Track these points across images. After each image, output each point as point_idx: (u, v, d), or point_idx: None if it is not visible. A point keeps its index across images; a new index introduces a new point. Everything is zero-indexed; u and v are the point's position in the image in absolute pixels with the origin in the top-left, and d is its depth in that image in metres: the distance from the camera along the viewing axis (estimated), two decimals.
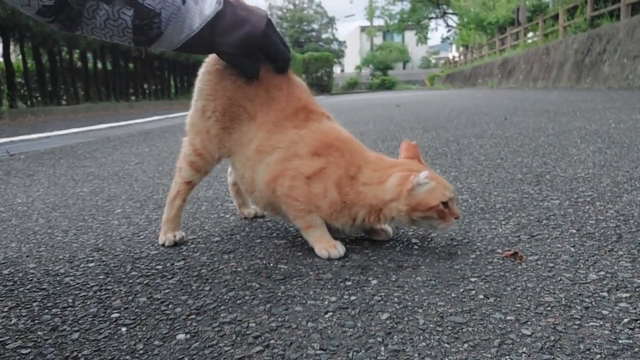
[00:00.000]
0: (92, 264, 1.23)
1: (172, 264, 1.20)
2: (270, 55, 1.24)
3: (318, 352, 0.77)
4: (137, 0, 1.06)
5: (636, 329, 0.79)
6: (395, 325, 0.84)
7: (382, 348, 0.77)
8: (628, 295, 0.91)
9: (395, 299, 0.94)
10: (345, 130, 1.30)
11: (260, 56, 1.24)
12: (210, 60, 1.34)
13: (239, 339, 0.82)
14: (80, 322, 0.92)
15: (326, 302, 0.94)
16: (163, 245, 1.35)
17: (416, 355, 0.74)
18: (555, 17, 17.47)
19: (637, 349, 0.73)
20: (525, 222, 1.39)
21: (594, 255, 1.11)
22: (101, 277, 1.15)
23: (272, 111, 1.25)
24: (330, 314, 0.89)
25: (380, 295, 0.96)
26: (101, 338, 0.85)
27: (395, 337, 0.80)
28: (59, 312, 0.96)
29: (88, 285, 1.09)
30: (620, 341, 0.75)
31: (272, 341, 0.81)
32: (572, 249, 1.15)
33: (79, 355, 0.80)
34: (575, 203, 1.55)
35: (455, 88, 25.45)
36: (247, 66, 1.24)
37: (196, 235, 1.45)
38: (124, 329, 0.88)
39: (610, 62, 11.92)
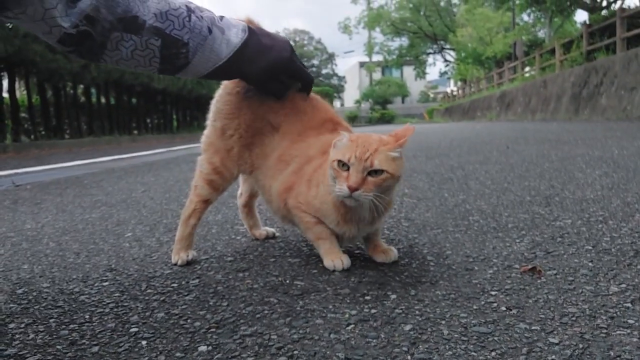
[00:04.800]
0: (107, 283, 1.23)
1: (187, 282, 1.20)
2: (295, 78, 1.28)
3: None
4: (164, 30, 1.08)
5: None
6: (420, 336, 0.83)
7: (409, 357, 0.76)
8: None
9: (417, 312, 0.93)
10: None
11: (285, 80, 1.27)
12: (228, 84, 1.37)
13: (261, 350, 0.81)
14: (98, 336, 0.91)
15: (347, 315, 0.93)
16: (176, 264, 1.35)
17: None
18: (552, 51, 17.78)
19: None
20: (539, 240, 1.38)
21: (613, 269, 1.10)
22: (116, 294, 1.14)
23: (298, 121, 1.27)
24: (352, 326, 0.89)
25: (401, 309, 0.95)
26: (121, 351, 0.84)
27: (420, 346, 0.79)
28: (76, 328, 0.95)
29: (104, 303, 1.08)
30: None
31: (295, 352, 0.80)
32: (590, 264, 1.15)
33: None
34: (587, 222, 1.55)
35: (454, 121, 25.69)
36: (275, 89, 1.27)
37: (209, 255, 1.44)
38: (144, 342, 0.87)
39: (608, 94, 12.07)
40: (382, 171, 1.08)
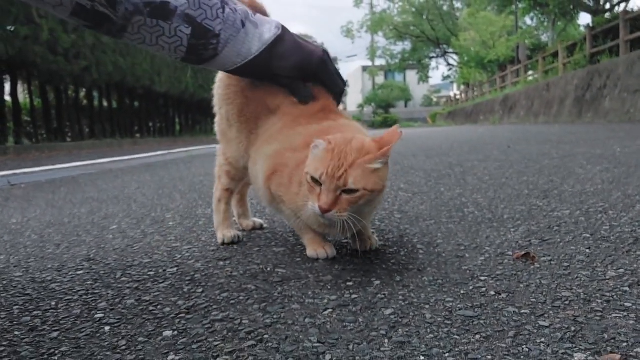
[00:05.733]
0: (81, 272, 1.17)
1: (165, 270, 1.14)
2: (325, 83, 1.21)
3: (316, 344, 0.70)
4: (196, 19, 1.02)
5: None
6: (400, 320, 0.77)
7: (386, 340, 0.70)
8: None
9: (400, 297, 0.87)
10: (359, 128, 1.20)
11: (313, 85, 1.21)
12: None
13: (230, 334, 0.76)
14: (61, 322, 0.85)
15: (325, 301, 0.88)
16: (222, 243, 1.35)
17: (423, 346, 0.68)
18: (555, 55, 17.71)
19: None
20: (535, 229, 1.33)
21: (611, 256, 1.04)
22: (89, 282, 1.08)
23: (294, 106, 1.20)
24: (330, 311, 0.83)
25: (384, 294, 0.89)
26: (82, 336, 0.79)
27: (400, 330, 0.73)
28: (40, 314, 0.90)
29: (74, 290, 1.03)
30: None
31: (265, 336, 0.74)
32: (587, 251, 1.09)
33: (56, 352, 0.74)
34: (586, 213, 1.49)
35: (457, 125, 25.60)
36: (301, 90, 1.20)
37: (192, 245, 1.39)
38: (107, 327, 0.82)
39: (611, 97, 11.99)
40: (356, 190, 0.97)
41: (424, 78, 39.70)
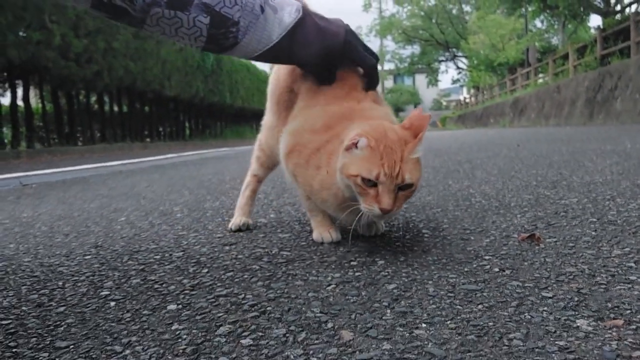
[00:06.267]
0: (89, 257, 1.19)
1: (171, 255, 1.15)
2: (354, 62, 1.16)
3: (318, 314, 0.71)
4: (214, 7, 1.01)
5: None
6: (403, 293, 0.77)
7: (388, 311, 0.70)
8: None
9: (403, 274, 0.87)
10: (383, 111, 1.15)
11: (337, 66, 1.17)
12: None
13: (233, 307, 0.76)
14: (67, 299, 0.86)
15: (329, 278, 0.88)
16: (230, 230, 1.37)
17: (425, 315, 0.68)
18: (565, 57, 17.60)
19: None
20: (542, 215, 1.32)
21: (617, 237, 1.04)
22: (96, 265, 1.09)
23: (315, 82, 1.17)
24: (333, 286, 0.83)
25: (387, 272, 0.90)
26: (87, 311, 0.80)
27: (402, 302, 0.74)
28: (47, 293, 0.91)
29: (81, 272, 1.04)
30: None
31: (268, 308, 0.75)
32: (593, 233, 1.08)
33: (62, 323, 0.74)
34: (594, 200, 1.48)
35: (467, 128, 25.50)
36: (324, 75, 1.16)
37: (198, 233, 1.39)
38: (112, 303, 0.83)
39: (623, 98, 11.89)
40: (412, 184, 0.95)
41: (433, 82, 39.64)
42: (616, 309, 0.66)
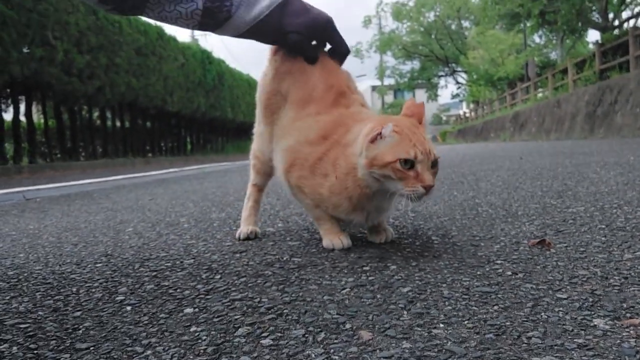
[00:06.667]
0: (100, 264, 1.19)
1: (182, 262, 1.16)
2: (333, 43, 1.25)
3: (335, 316, 0.71)
4: None
5: None
6: (418, 296, 0.78)
7: (405, 312, 0.71)
8: None
9: (417, 278, 0.88)
10: (374, 114, 1.21)
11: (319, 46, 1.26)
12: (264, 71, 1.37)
13: (250, 310, 0.77)
14: (83, 304, 0.87)
15: (343, 282, 0.89)
16: (238, 239, 1.39)
17: (442, 315, 0.68)
18: (564, 71, 17.71)
19: None
20: (550, 222, 1.33)
21: (627, 242, 1.04)
22: (108, 273, 1.10)
23: (304, 86, 1.21)
24: (348, 290, 0.84)
25: (400, 276, 0.90)
26: (104, 314, 0.80)
27: (418, 304, 0.74)
28: (61, 298, 0.91)
29: (94, 279, 1.05)
30: None
31: (285, 311, 0.75)
32: (603, 239, 1.09)
33: (80, 327, 0.75)
34: (601, 208, 1.49)
35: (468, 142, 25.57)
36: (309, 49, 1.23)
37: (207, 242, 1.40)
38: (128, 307, 0.83)
39: (623, 112, 11.94)
40: (437, 160, 1.00)
41: (433, 97, 39.85)
42: (632, 308, 0.66)
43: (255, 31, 1.17)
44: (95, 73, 9.84)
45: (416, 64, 38.30)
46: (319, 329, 0.67)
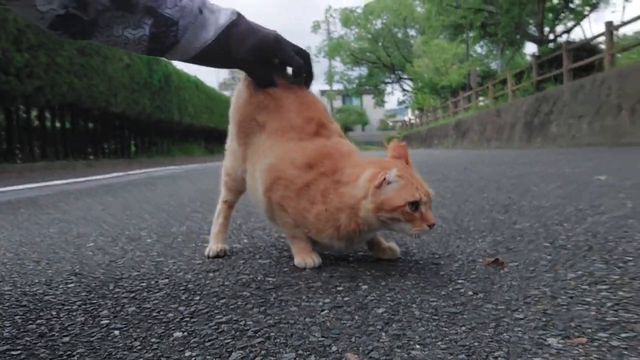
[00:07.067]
0: (72, 285, 1.20)
1: (157, 282, 1.19)
2: (285, 60, 1.28)
3: (320, 339, 0.77)
4: (156, 9, 1.09)
5: (619, 310, 0.83)
6: (392, 317, 0.85)
7: (383, 333, 0.78)
8: (607, 287, 0.95)
9: (388, 298, 0.96)
10: (353, 146, 1.29)
11: (275, 65, 1.30)
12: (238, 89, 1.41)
13: (238, 333, 0.82)
14: (68, 329, 0.89)
15: (320, 303, 0.95)
16: (207, 257, 1.41)
17: (417, 337, 0.76)
18: (504, 82, 18.54)
19: (623, 324, 0.77)
20: (500, 239, 1.44)
21: (570, 260, 1.16)
22: (83, 294, 1.11)
23: (281, 119, 1.26)
24: (327, 311, 0.90)
25: (373, 296, 0.97)
26: (94, 340, 0.83)
27: (394, 325, 0.81)
28: (44, 322, 0.93)
29: (71, 301, 1.06)
30: (607, 319, 0.79)
31: (272, 334, 0.81)
32: (549, 257, 1.21)
33: (73, 353, 0.77)
34: (544, 224, 1.62)
35: (413, 148, 26.24)
36: (262, 74, 1.29)
37: (176, 259, 1.43)
38: (116, 331, 0.86)
39: (558, 122, 12.64)
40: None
41: (380, 103, 40.66)
42: (579, 327, 0.76)
43: (204, 57, 1.21)
44: (35, 72, 9.46)
45: (364, 70, 38.98)
46: (307, 352, 0.73)
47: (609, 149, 7.68)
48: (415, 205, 1.07)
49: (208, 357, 0.73)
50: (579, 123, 11.44)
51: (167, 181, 5.91)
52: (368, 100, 44.70)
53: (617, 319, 0.79)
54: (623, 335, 0.73)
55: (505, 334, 0.75)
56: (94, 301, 1.05)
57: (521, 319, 0.81)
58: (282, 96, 1.29)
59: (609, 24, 11.79)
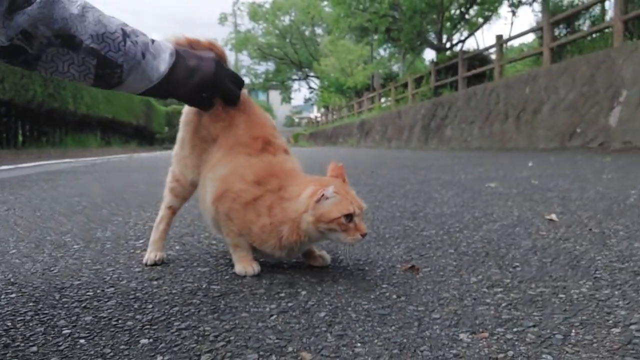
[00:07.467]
0: (14, 295, 1.22)
1: (103, 290, 1.24)
2: (222, 94, 1.38)
3: (276, 341, 0.90)
4: (100, 52, 1.14)
5: (512, 309, 1.04)
6: (333, 319, 1.00)
7: (329, 334, 0.93)
8: (502, 289, 1.17)
9: (327, 303, 1.10)
10: (296, 163, 1.43)
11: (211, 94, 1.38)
12: None
13: (200, 338, 0.92)
14: (32, 339, 0.94)
15: (267, 309, 1.08)
16: (145, 264, 1.47)
17: (357, 336, 0.91)
18: (405, 85, 19.53)
19: (514, 320, 0.98)
20: (412, 246, 1.65)
21: (472, 266, 1.38)
22: (30, 304, 1.15)
23: (232, 136, 1.37)
24: (275, 316, 1.03)
25: (313, 301, 1.12)
26: (63, 349, 0.89)
27: (336, 327, 0.96)
28: (3, 333, 0.97)
29: (20, 312, 1.10)
30: (502, 317, 1.00)
31: (231, 338, 0.92)
32: (454, 263, 1.42)
33: None
34: (447, 232, 1.86)
35: (319, 146, 26.80)
36: (203, 103, 1.38)
37: (114, 267, 1.48)
38: (82, 340, 0.93)
39: (452, 126, 13.59)
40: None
41: (286, 99, 40.95)
42: (482, 324, 0.96)
43: (150, 94, 1.30)
44: None
45: (271, 66, 39.04)
46: (268, 353, 0.85)
47: (496, 154, 8.45)
48: (349, 217, 1.22)
49: None
50: (471, 128, 12.39)
51: (67, 177, 5.65)
52: (275, 95, 44.87)
53: (510, 316, 1.00)
54: (515, 329, 0.93)
55: (427, 332, 0.93)
56: (46, 311, 1.10)
57: (438, 318, 1.00)
58: (235, 114, 1.41)
59: (499, 37, 12.87)
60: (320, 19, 35.29)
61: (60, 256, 1.64)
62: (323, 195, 1.22)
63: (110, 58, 1.15)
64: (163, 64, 1.25)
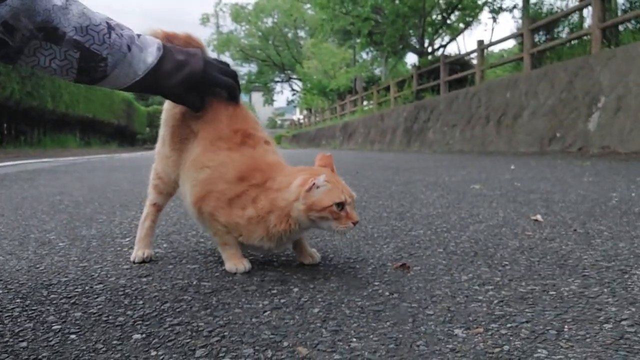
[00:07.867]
0: (0, 292, 1.20)
1: (92, 287, 1.22)
2: (215, 86, 1.37)
3: (271, 336, 0.90)
4: (84, 44, 1.12)
5: (504, 306, 1.05)
6: (328, 315, 1.00)
7: (324, 330, 0.92)
8: (492, 287, 1.18)
9: (320, 299, 1.10)
10: (278, 155, 1.43)
11: (201, 91, 1.36)
12: None
13: (195, 334, 0.91)
14: (21, 334, 0.92)
15: (260, 305, 1.07)
16: (133, 262, 1.46)
17: (352, 331, 0.91)
18: (387, 89, 19.64)
19: (507, 317, 0.99)
20: (402, 245, 1.65)
21: (461, 265, 1.39)
22: (17, 300, 1.13)
23: (213, 129, 1.36)
24: (269, 312, 1.03)
25: (306, 298, 1.11)
26: (54, 344, 0.88)
27: (330, 322, 0.96)
28: None
29: (8, 308, 1.07)
30: (495, 313, 1.01)
31: (225, 333, 0.92)
32: (444, 262, 1.43)
33: (38, 357, 0.82)
34: (435, 232, 1.88)
35: (302, 148, 26.77)
36: (192, 101, 1.36)
37: (101, 265, 1.46)
38: (73, 335, 0.91)
39: (434, 129, 13.70)
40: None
41: (269, 101, 40.86)
42: (475, 320, 0.97)
43: (134, 89, 1.28)
44: None
45: (254, 67, 38.94)
46: (263, 347, 0.85)
47: (477, 157, 8.53)
48: (341, 205, 1.23)
49: (175, 355, 0.83)
50: (453, 131, 12.52)
51: (48, 176, 5.56)
52: (257, 97, 44.73)
53: (503, 313, 1.01)
54: (508, 325, 0.94)
55: (421, 327, 0.93)
56: (34, 307, 1.08)
57: (432, 314, 1.00)
58: (217, 108, 1.40)
59: (480, 42, 13.04)
60: (303, 21, 35.34)
61: (46, 253, 1.61)
62: (314, 184, 1.22)
63: (94, 51, 1.13)
64: (150, 57, 1.23)
